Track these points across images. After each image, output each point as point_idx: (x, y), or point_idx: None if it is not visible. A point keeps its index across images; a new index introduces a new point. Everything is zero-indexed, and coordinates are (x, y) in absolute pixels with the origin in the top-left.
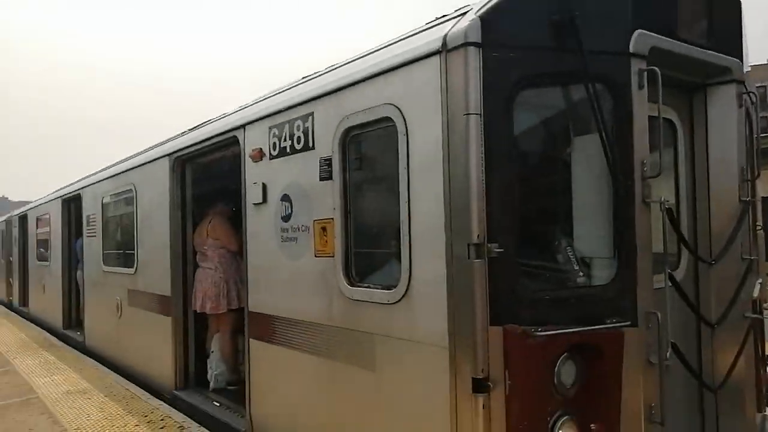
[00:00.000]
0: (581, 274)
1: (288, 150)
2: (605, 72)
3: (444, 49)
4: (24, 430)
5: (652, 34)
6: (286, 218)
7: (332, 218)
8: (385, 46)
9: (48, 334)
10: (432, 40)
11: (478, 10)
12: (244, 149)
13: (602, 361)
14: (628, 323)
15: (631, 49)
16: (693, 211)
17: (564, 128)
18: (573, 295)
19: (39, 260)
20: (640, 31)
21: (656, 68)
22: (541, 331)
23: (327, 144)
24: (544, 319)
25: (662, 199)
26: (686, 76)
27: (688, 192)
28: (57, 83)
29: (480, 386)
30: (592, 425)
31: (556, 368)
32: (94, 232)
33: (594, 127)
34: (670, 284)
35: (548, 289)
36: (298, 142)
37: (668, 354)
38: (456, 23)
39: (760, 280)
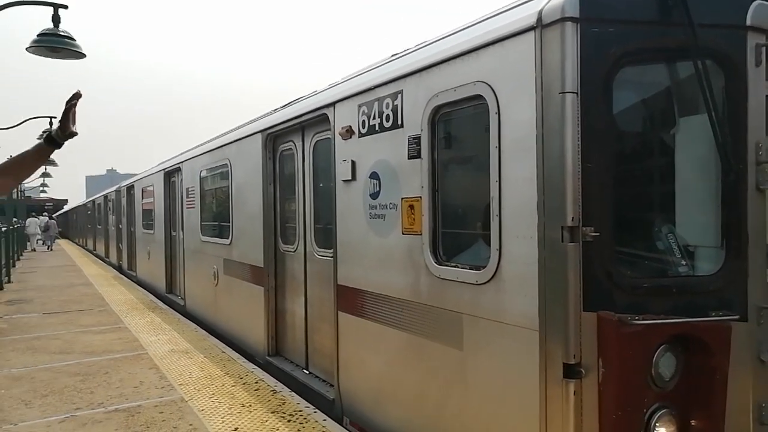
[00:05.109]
0: (683, 262)
1: (377, 128)
2: (717, 47)
3: (539, 25)
4: (135, 382)
5: None
6: (375, 195)
7: (420, 196)
8: (476, 23)
9: (153, 297)
10: (526, 15)
11: None
12: (333, 127)
13: (706, 356)
14: (737, 317)
15: (749, 22)
16: None
17: (668, 108)
18: (674, 284)
19: (144, 228)
20: (759, 2)
21: None
22: (638, 319)
23: (416, 122)
24: (641, 307)
25: None
26: None
27: None
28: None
29: (571, 372)
30: (692, 421)
31: (654, 359)
32: (193, 204)
33: (702, 106)
34: None
35: (647, 277)
36: (387, 120)
37: None
38: None
39: None
